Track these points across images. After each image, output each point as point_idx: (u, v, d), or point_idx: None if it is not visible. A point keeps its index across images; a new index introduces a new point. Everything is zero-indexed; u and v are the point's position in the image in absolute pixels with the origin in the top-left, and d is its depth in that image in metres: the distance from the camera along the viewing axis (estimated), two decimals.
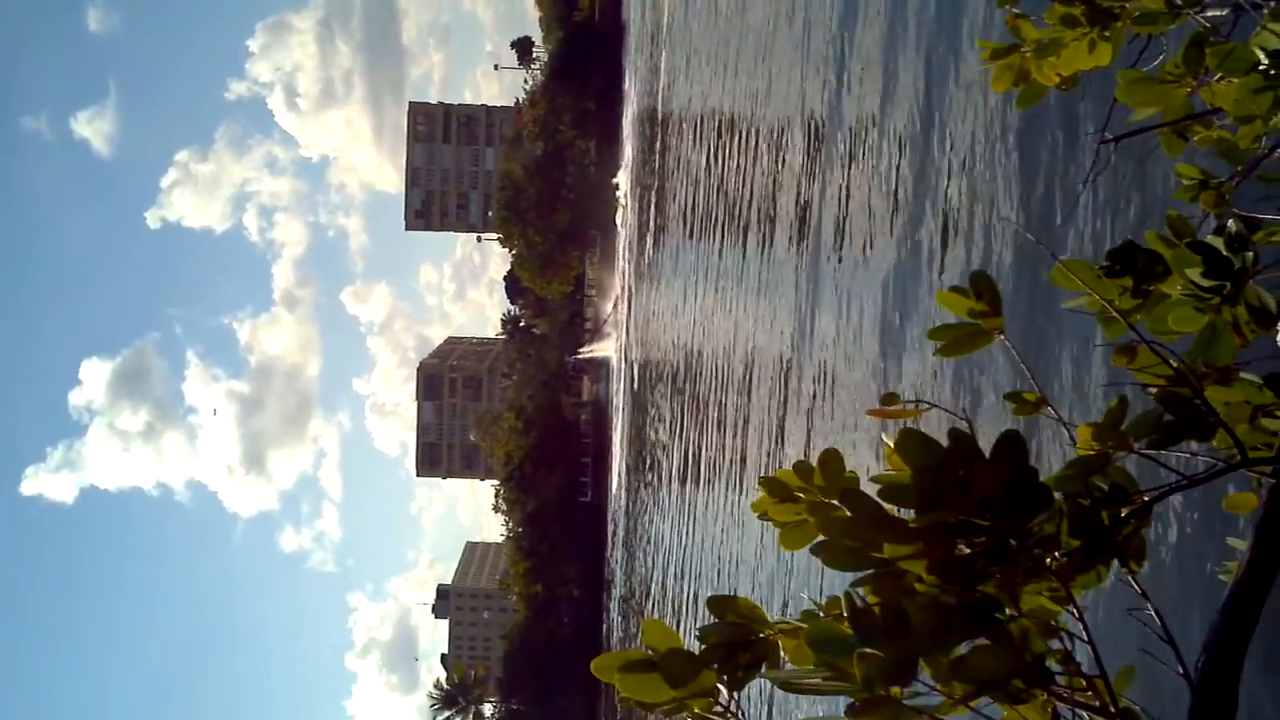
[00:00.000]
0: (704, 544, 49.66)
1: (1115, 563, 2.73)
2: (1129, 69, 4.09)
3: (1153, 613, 2.70)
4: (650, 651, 2.71)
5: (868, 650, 2.33)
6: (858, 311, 24.80)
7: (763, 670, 2.64)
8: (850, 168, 26.52)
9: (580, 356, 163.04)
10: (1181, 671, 2.57)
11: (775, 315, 36.51)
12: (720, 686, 2.69)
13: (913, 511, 2.49)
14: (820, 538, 2.60)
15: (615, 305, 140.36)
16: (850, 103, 27.68)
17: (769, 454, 34.80)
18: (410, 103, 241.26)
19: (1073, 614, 2.57)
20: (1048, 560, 2.51)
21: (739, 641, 2.70)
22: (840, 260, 27.17)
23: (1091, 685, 2.62)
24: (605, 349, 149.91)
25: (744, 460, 40.18)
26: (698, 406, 55.70)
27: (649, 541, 77.77)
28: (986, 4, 18.41)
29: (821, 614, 2.71)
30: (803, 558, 28.99)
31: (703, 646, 2.72)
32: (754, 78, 45.77)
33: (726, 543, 43.32)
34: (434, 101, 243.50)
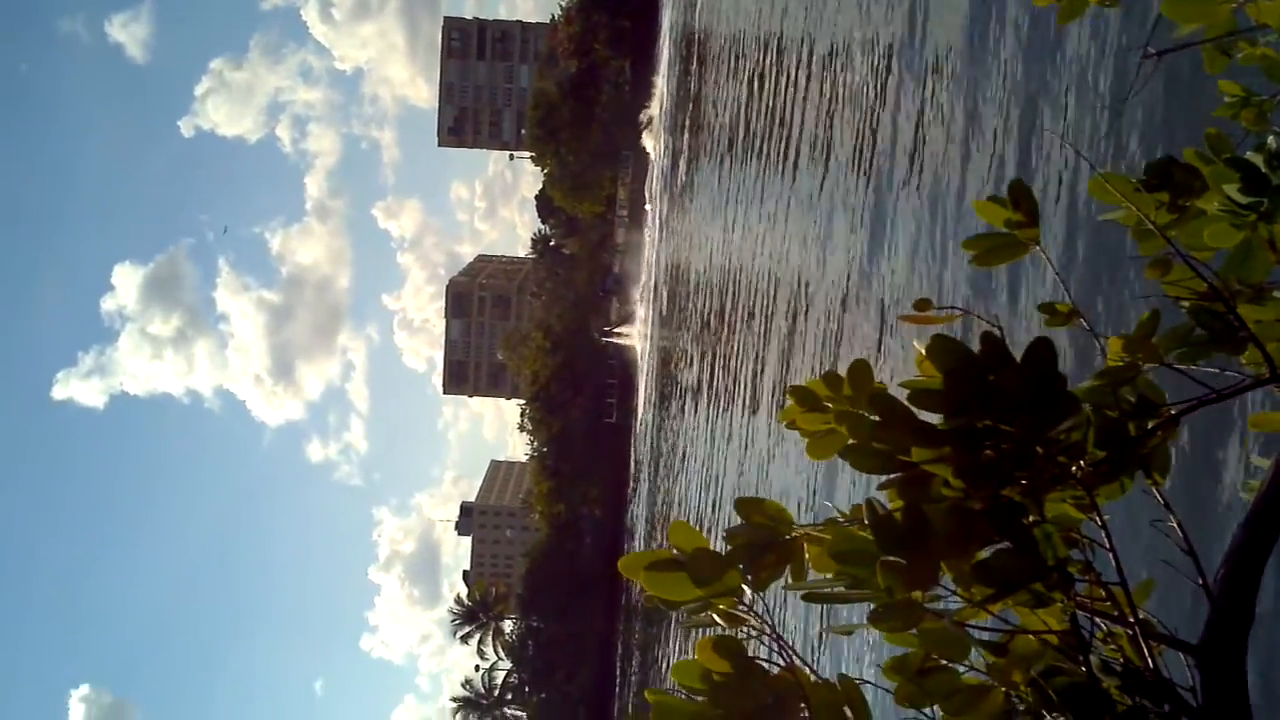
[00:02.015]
0: (729, 465, 49.86)
1: (1140, 474, 2.74)
2: None
3: (1175, 525, 2.72)
4: (676, 551, 2.74)
5: (889, 558, 2.34)
6: (893, 228, 24.69)
7: (786, 580, 2.66)
8: (885, 83, 26.23)
9: (609, 288, 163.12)
10: (1201, 583, 2.59)
11: (805, 234, 36.39)
12: (745, 587, 2.72)
13: (941, 417, 2.50)
14: (848, 444, 2.61)
15: (645, 227, 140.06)
16: (888, 19, 27.41)
17: (797, 372, 34.84)
18: (445, 18, 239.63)
19: (1096, 522, 2.58)
20: (1073, 468, 2.52)
21: (765, 542, 2.72)
22: (875, 178, 27.02)
23: (1110, 594, 2.64)
24: (635, 273, 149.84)
25: (769, 380, 40.23)
26: (726, 326, 55.68)
27: (673, 462, 78.08)
28: None
29: (844, 522, 2.74)
30: (829, 477, 29.10)
31: (729, 547, 2.74)
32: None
33: (752, 463, 43.47)
34: (469, 17, 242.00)
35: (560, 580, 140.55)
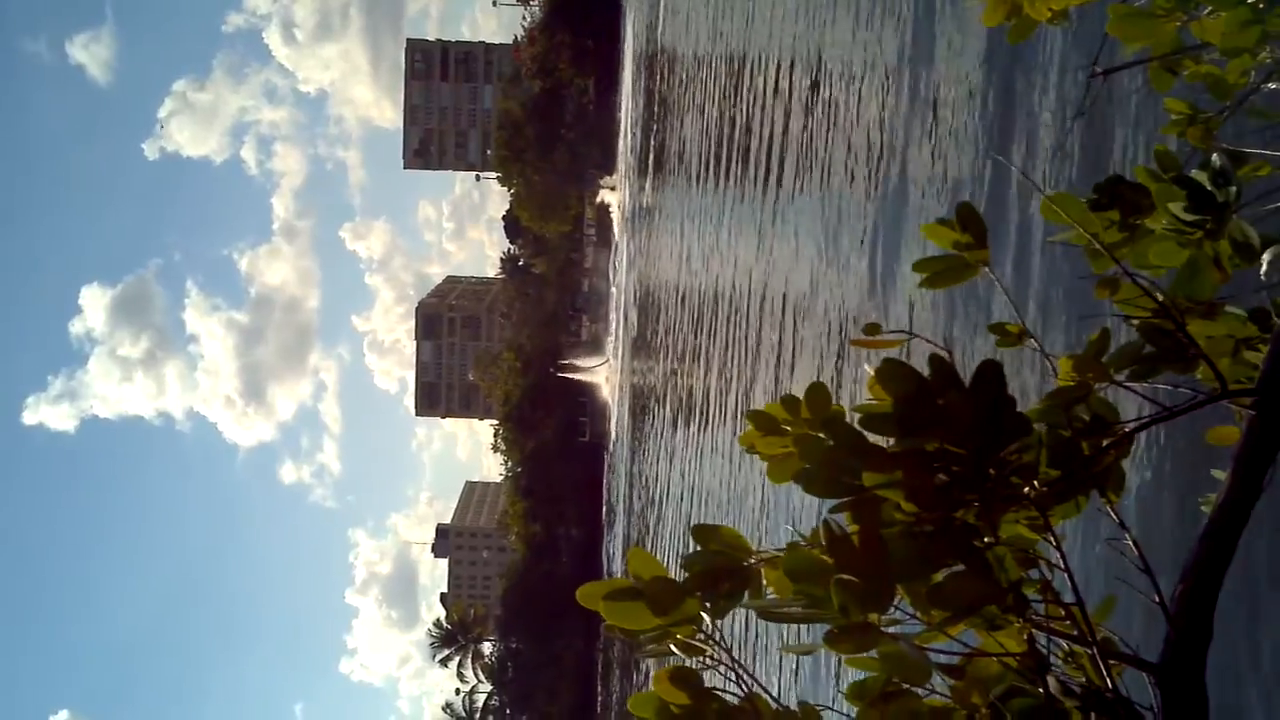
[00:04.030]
0: (702, 482, 49.86)
1: (1095, 493, 2.76)
2: (1119, 3, 4.08)
3: (1130, 543, 2.73)
4: (635, 580, 2.74)
5: (844, 577, 2.35)
6: (846, 249, 24.80)
7: (745, 599, 2.67)
8: (838, 103, 26.37)
9: (579, 306, 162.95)
10: (1158, 600, 2.60)
11: (768, 254, 36.49)
12: (703, 615, 2.72)
13: (893, 440, 2.51)
14: (803, 468, 2.62)
15: (613, 246, 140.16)
16: (839, 39, 27.58)
17: (764, 391, 34.90)
18: (408, 40, 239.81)
19: (1050, 543, 2.59)
20: (1025, 489, 2.53)
21: (722, 569, 2.72)
22: (829, 198, 27.15)
23: (1069, 614, 2.65)
24: (604, 291, 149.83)
25: (742, 398, 40.27)
26: (696, 344, 55.76)
27: (647, 480, 78.05)
28: None
29: (804, 544, 2.75)
30: (800, 496, 29.14)
31: (686, 575, 2.74)
32: (748, 16, 45.58)
33: (723, 480, 43.50)
34: (432, 38, 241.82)
35: (538, 601, 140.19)
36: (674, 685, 2.49)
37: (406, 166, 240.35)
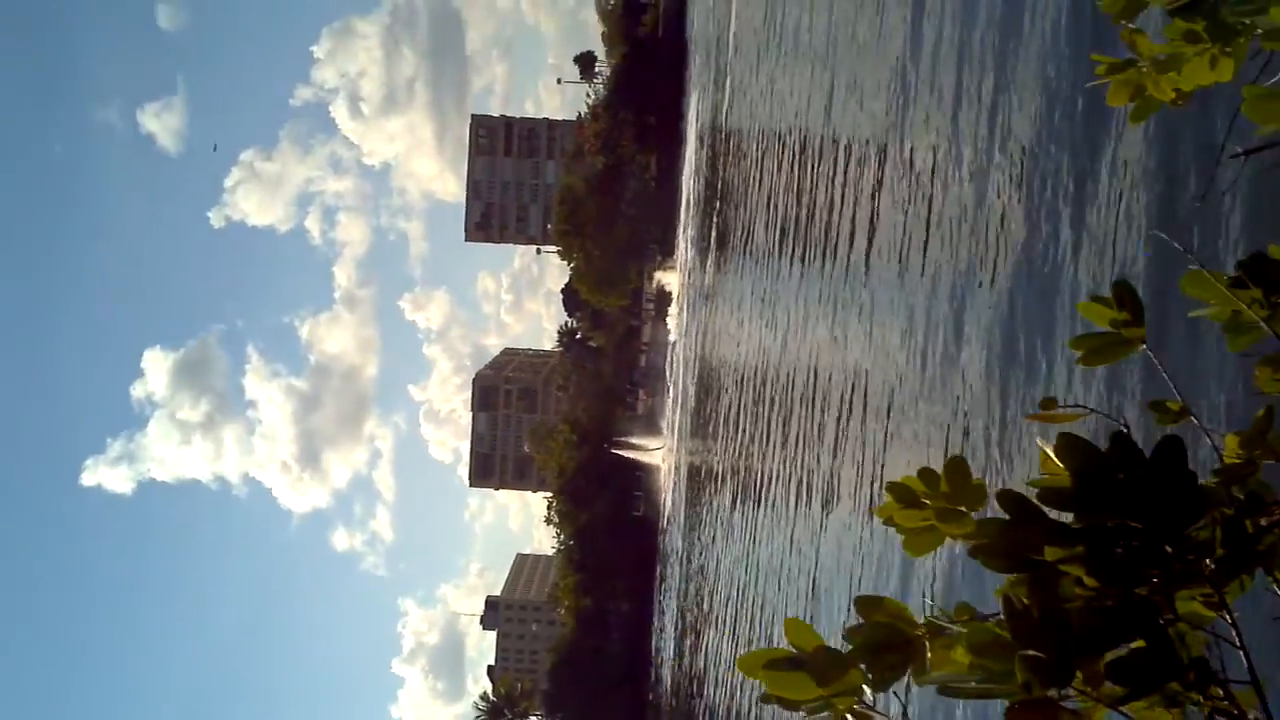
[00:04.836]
0: (758, 561, 49.56)
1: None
2: (1252, 84, 4.09)
3: None
4: (795, 650, 2.75)
5: (1030, 653, 2.35)
6: (956, 329, 24.63)
7: (927, 672, 2.67)
8: (937, 178, 25.86)
9: (636, 380, 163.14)
10: None
11: (830, 330, 36.40)
12: (865, 686, 2.73)
13: (1071, 515, 2.51)
14: (953, 540, 2.63)
15: (674, 321, 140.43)
16: (929, 115, 27.42)
17: (826, 469, 34.63)
18: (473, 115, 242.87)
19: (1226, 620, 2.58)
20: (1203, 565, 2.53)
21: (886, 641, 2.73)
22: (909, 281, 27.05)
23: (1229, 695, 2.63)
24: (659, 367, 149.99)
25: (798, 476, 40.06)
26: (754, 423, 55.61)
27: (700, 558, 77.63)
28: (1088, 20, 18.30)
29: (945, 621, 2.76)
30: (860, 575, 28.89)
31: (849, 646, 2.75)
32: (823, 94, 45.66)
33: (778, 561, 43.23)
34: (496, 114, 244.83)
35: (586, 676, 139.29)
36: None
37: (468, 239, 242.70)
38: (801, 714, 2.76)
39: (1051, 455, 2.60)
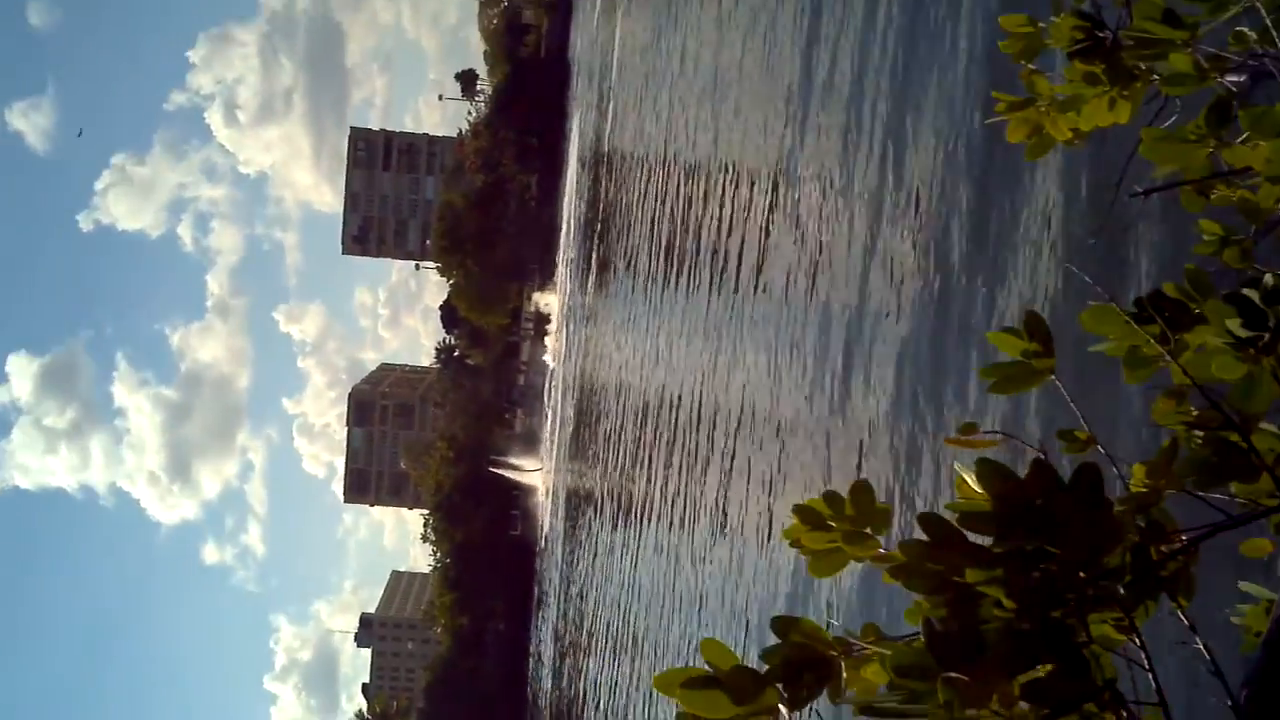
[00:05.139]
0: (636, 581, 49.60)
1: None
2: (1150, 126, 4.24)
3: (1201, 646, 2.81)
4: (711, 669, 2.78)
5: (953, 675, 2.41)
6: (800, 359, 24.88)
7: (842, 692, 2.72)
8: (849, 214, 25.56)
9: (514, 399, 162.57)
10: (1230, 704, 2.68)
11: (706, 353, 36.65)
12: (781, 706, 2.77)
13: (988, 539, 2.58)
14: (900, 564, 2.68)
15: (553, 341, 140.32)
16: (823, 144, 27.67)
17: (716, 499, 34.74)
18: (351, 128, 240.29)
19: (1135, 643, 2.67)
20: (1117, 590, 2.61)
21: (804, 660, 2.78)
22: (789, 308, 27.34)
23: (1134, 716, 2.72)
24: (538, 387, 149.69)
25: (686, 505, 40.16)
26: (632, 442, 55.71)
27: (579, 580, 77.49)
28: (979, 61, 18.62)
29: (855, 641, 2.83)
30: (741, 596, 29.07)
31: (766, 666, 2.80)
32: (710, 121, 45.97)
33: (657, 580, 43.33)
34: (375, 127, 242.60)
35: (463, 695, 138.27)
36: None
37: (345, 252, 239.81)
38: None
39: (969, 479, 2.68)
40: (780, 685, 2.77)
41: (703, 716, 2.78)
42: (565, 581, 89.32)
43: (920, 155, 20.69)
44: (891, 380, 20.41)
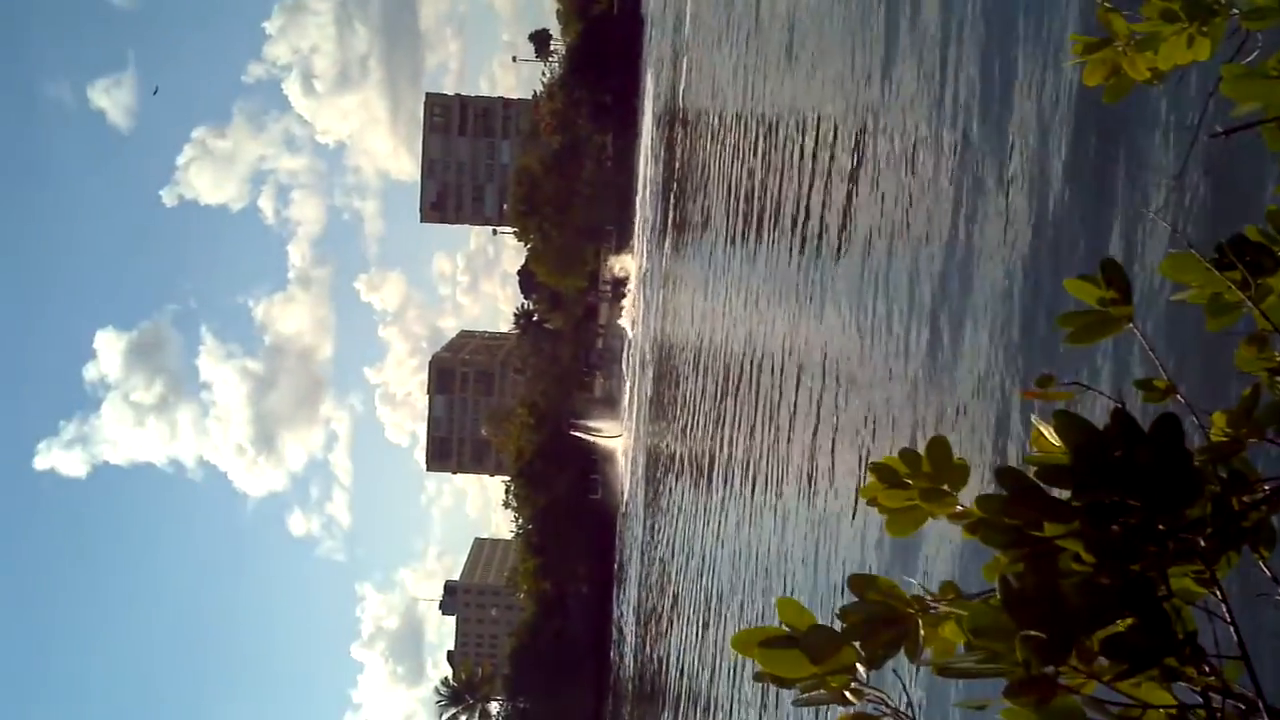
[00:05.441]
0: (720, 544, 49.62)
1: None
2: (1230, 63, 4.12)
3: None
4: (788, 629, 2.76)
5: (1031, 632, 2.36)
6: (889, 316, 24.62)
7: (920, 651, 2.69)
8: (932, 166, 25.13)
9: (593, 363, 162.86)
10: None
11: (816, 319, 36.39)
12: (858, 665, 2.74)
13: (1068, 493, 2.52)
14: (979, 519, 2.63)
15: (632, 303, 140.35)
16: (906, 96, 27.24)
17: (799, 458, 34.55)
18: (427, 94, 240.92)
19: (1216, 596, 2.60)
20: (1197, 542, 2.55)
21: (881, 619, 2.74)
22: (878, 266, 27.07)
23: (1216, 670, 2.65)
24: (617, 350, 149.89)
25: (767, 465, 40.06)
26: (713, 403, 55.62)
27: (661, 542, 77.68)
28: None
29: (932, 599, 2.78)
30: (817, 556, 28.98)
31: (843, 625, 2.76)
32: (789, 74, 45.54)
33: (742, 544, 43.29)
34: (450, 92, 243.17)
35: (547, 660, 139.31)
36: None
37: (423, 219, 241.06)
38: (795, 691, 2.77)
39: (1046, 432, 2.62)
40: (857, 644, 2.74)
41: (780, 675, 2.76)
42: (646, 543, 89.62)
43: (1003, 104, 20.36)
44: (979, 337, 20.18)
